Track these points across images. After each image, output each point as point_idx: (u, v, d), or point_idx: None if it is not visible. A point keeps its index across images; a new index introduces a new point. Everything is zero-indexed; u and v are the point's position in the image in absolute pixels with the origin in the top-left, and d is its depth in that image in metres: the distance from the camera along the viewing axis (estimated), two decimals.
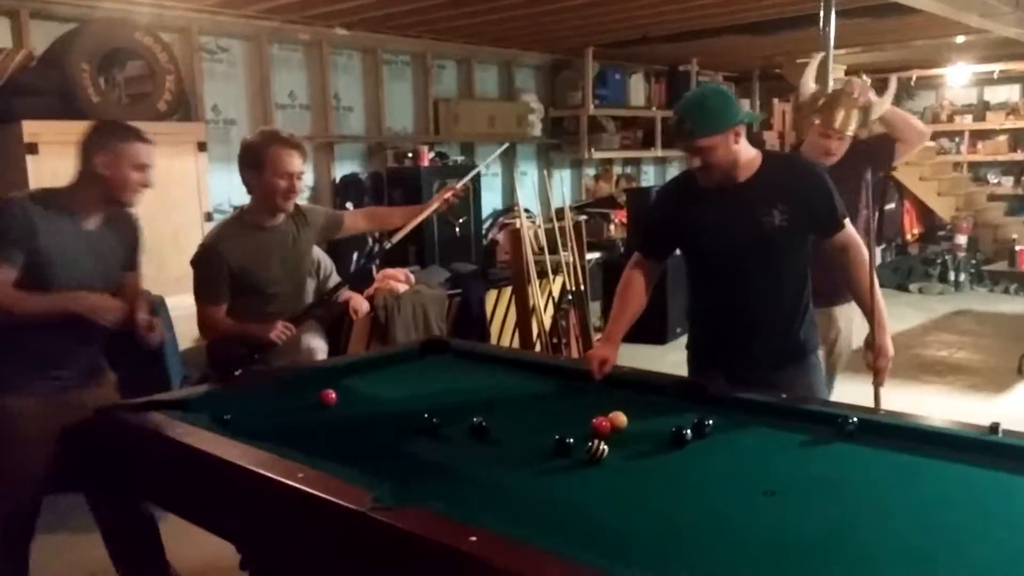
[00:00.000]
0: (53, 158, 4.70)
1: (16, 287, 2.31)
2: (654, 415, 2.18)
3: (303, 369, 2.83)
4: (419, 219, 2.89)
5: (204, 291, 2.72)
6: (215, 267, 2.68)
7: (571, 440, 1.93)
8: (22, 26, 5.24)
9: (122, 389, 2.62)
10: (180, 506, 2.24)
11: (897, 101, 11.19)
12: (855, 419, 2.01)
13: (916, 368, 5.77)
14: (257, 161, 2.61)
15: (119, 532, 2.63)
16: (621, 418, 2.10)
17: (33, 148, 4.71)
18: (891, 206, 9.94)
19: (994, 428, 1.90)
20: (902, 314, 7.55)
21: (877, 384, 2.62)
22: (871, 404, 2.48)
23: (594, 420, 2.05)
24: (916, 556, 1.40)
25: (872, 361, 2.60)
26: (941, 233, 9.62)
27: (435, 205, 3.00)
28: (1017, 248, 5.67)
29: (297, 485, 1.73)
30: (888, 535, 1.49)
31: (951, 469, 1.78)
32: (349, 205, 6.79)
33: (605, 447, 1.90)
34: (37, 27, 5.28)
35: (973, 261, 8.93)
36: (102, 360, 2.58)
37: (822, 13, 4.59)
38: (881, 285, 8.45)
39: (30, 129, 4.71)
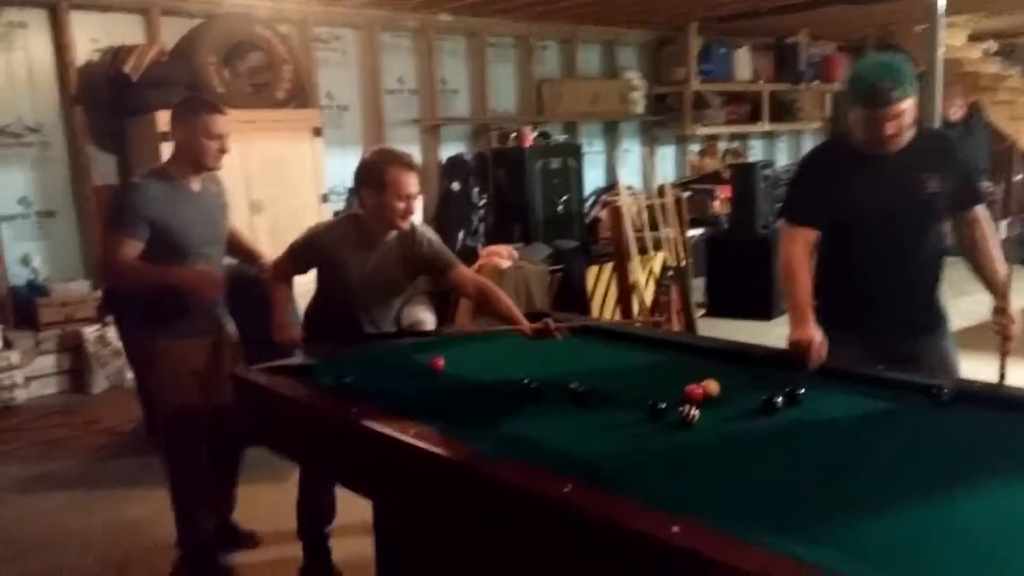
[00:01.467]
0: None
1: (148, 250, 2.73)
2: (748, 384, 2.23)
3: (411, 333, 3.01)
4: (510, 327, 2.70)
5: (297, 254, 2.85)
6: (307, 254, 2.83)
7: (664, 405, 2.02)
8: (153, 23, 5.65)
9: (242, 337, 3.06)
10: (311, 459, 2.50)
11: None
12: (947, 388, 2.03)
13: None
14: (378, 181, 2.70)
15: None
16: (713, 386, 2.17)
17: (167, 136, 5.05)
18: (1018, 178, 9.42)
19: None
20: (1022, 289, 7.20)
21: (1005, 352, 2.57)
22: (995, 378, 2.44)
23: (687, 387, 2.13)
24: (1006, 529, 1.44)
25: (1002, 329, 2.56)
26: None
27: (533, 326, 2.69)
28: None
29: (412, 441, 1.91)
30: (990, 500, 1.52)
31: None
32: (455, 185, 7.01)
33: (696, 412, 1.99)
34: (167, 23, 5.70)
35: None
36: (223, 313, 2.98)
37: None
38: (1005, 259, 8.10)
39: (164, 119, 5.08)
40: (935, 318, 2.66)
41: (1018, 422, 1.88)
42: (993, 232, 2.62)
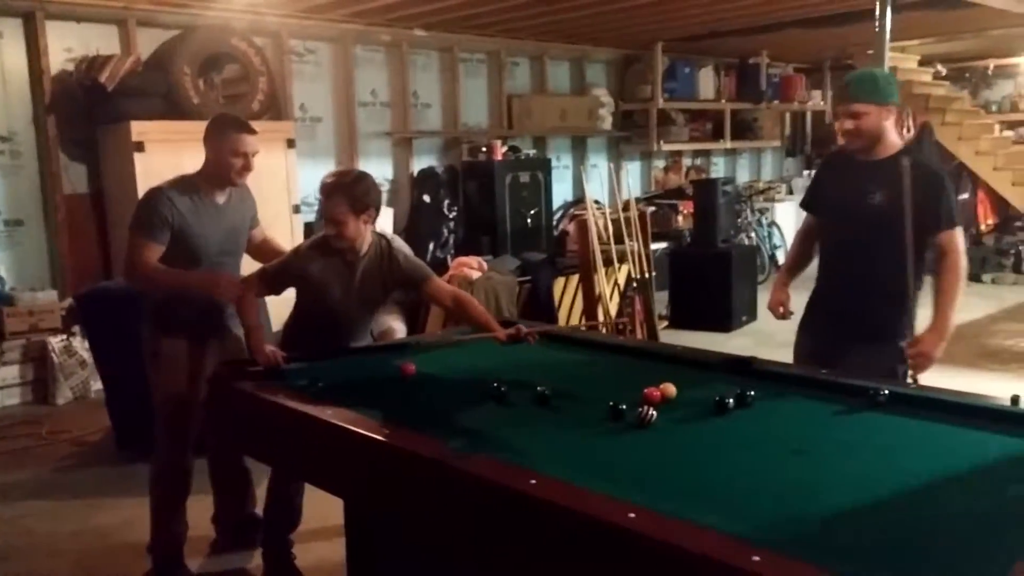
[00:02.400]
0: (158, 155, 5.16)
1: (168, 256, 2.87)
2: (701, 387, 2.37)
3: (386, 345, 3.12)
4: (484, 336, 2.86)
5: (269, 279, 2.93)
6: (284, 277, 2.92)
7: (624, 407, 2.16)
8: (129, 33, 5.71)
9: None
10: (283, 462, 2.60)
11: (975, 90, 10.97)
12: (886, 391, 2.20)
13: (978, 356, 5.79)
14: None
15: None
16: (671, 388, 2.31)
17: (140, 146, 5.17)
18: (964, 196, 9.77)
19: (1015, 400, 2.06)
20: (972, 304, 7.48)
21: (912, 374, 2.72)
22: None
23: (646, 390, 2.27)
24: (911, 506, 1.60)
25: (909, 349, 2.71)
26: (1017, 223, 9.43)
27: (507, 332, 2.87)
28: None
29: (383, 439, 2.02)
30: (891, 488, 1.68)
31: (968, 435, 1.95)
32: (426, 197, 7.14)
33: (654, 412, 2.13)
34: (143, 34, 5.76)
35: None
36: (231, 320, 3.04)
37: (878, 7, 4.64)
38: None
39: (138, 128, 5.18)
40: (878, 331, 2.78)
41: (938, 420, 2.06)
42: (955, 270, 2.71)
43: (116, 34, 5.72)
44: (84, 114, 5.48)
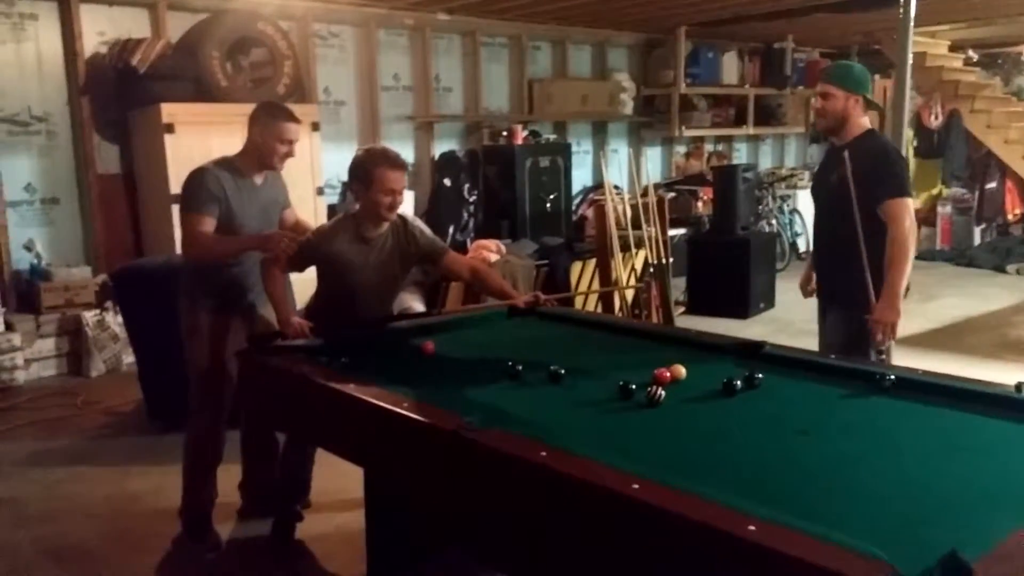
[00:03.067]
0: (188, 137, 5.29)
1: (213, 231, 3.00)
2: (712, 369, 2.44)
3: (407, 324, 3.21)
4: (504, 304, 3.07)
5: (294, 255, 3.00)
6: (308, 256, 3.01)
7: (634, 386, 2.24)
8: (160, 16, 5.82)
9: None
10: (307, 434, 2.71)
11: (1007, 77, 10.83)
12: (892, 376, 2.26)
13: (999, 347, 5.79)
14: (366, 178, 2.93)
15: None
16: (680, 370, 2.39)
17: (170, 128, 5.29)
18: (992, 185, 9.70)
19: (1018, 387, 2.11)
20: (994, 295, 7.48)
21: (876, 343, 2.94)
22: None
23: (656, 371, 2.35)
24: (907, 483, 1.66)
25: (870, 322, 2.94)
26: None
27: (525, 298, 3.15)
28: None
29: (403, 412, 2.12)
30: (890, 467, 1.75)
31: (969, 419, 2.01)
32: (447, 181, 7.22)
33: (662, 392, 2.20)
34: (172, 18, 5.87)
35: None
36: (258, 299, 3.16)
37: None
38: (976, 266, 8.42)
39: (168, 111, 5.29)
40: (840, 297, 3.07)
41: (945, 405, 2.11)
42: (897, 240, 2.89)
43: (147, 17, 5.83)
44: (116, 96, 5.60)
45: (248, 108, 5.19)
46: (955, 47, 9.97)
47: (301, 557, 3.10)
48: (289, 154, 3.07)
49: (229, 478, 3.34)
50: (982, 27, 8.93)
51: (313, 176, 5.94)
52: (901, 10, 4.56)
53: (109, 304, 5.48)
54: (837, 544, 1.34)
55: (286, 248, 2.91)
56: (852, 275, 2.94)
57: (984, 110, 9.46)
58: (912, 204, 3.00)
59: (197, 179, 3.02)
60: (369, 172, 2.89)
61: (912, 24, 4.61)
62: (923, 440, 1.91)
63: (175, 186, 5.27)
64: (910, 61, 4.70)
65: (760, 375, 2.33)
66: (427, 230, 3.14)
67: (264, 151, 3.03)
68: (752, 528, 1.40)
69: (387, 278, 3.05)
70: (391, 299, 3.14)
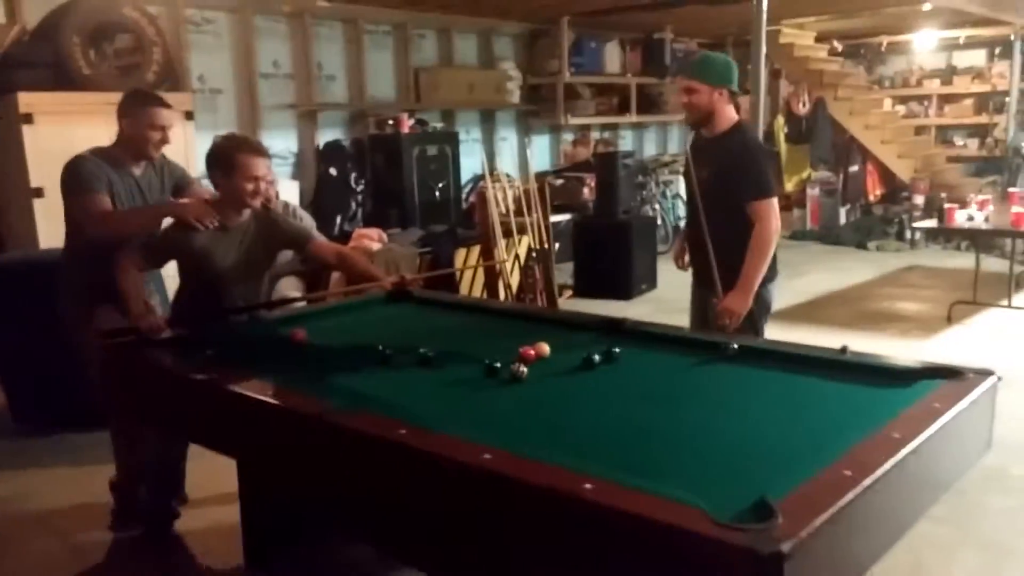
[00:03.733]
0: (48, 127, 5.05)
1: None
2: (574, 346, 2.55)
3: (280, 313, 3.20)
4: (370, 285, 3.10)
5: (150, 251, 2.95)
6: (164, 249, 2.96)
7: (498, 364, 2.32)
8: (15, 1, 5.52)
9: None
10: (173, 427, 2.68)
11: (870, 66, 11.48)
12: (736, 345, 2.41)
13: (857, 317, 6.21)
14: (227, 165, 2.89)
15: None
16: (544, 347, 2.48)
17: (29, 118, 5.03)
18: (854, 168, 10.32)
19: (843, 350, 2.30)
20: (856, 269, 7.99)
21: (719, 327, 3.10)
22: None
23: (521, 349, 2.44)
24: (735, 439, 1.81)
25: (717, 309, 3.10)
26: (903, 194, 10.00)
27: (390, 279, 3.17)
28: (946, 206, 6.03)
29: (266, 399, 2.14)
30: (723, 426, 1.89)
31: (801, 380, 2.18)
32: (332, 171, 7.14)
33: (524, 369, 2.29)
34: (29, 2, 5.57)
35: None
36: (150, 289, 3.11)
37: None
38: (841, 243, 8.92)
39: (25, 100, 5.03)
40: (710, 284, 3.15)
41: (780, 369, 2.29)
42: (760, 237, 3.02)
43: (1, 1, 5.52)
44: None
45: (114, 97, 5.02)
46: (821, 38, 10.52)
47: (178, 553, 3.07)
48: (164, 140, 3.03)
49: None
50: (846, 20, 9.46)
51: (188, 166, 5.73)
52: (754, 3, 4.79)
53: None
54: (661, 496, 1.45)
55: (202, 218, 2.84)
56: (723, 265, 3.08)
57: (847, 98, 10.03)
58: (776, 203, 3.10)
59: (78, 164, 2.96)
60: (231, 158, 2.86)
61: (764, 17, 4.85)
62: (756, 401, 2.07)
63: (36, 179, 5.05)
64: (763, 52, 4.95)
65: (618, 349, 2.45)
66: (305, 217, 3.15)
67: (136, 140, 2.99)
68: (588, 486, 1.50)
69: (251, 266, 3.01)
70: (258, 288, 3.11)
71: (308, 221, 3.61)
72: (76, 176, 2.94)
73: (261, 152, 2.93)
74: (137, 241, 2.93)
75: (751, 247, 3.04)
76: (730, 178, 3.04)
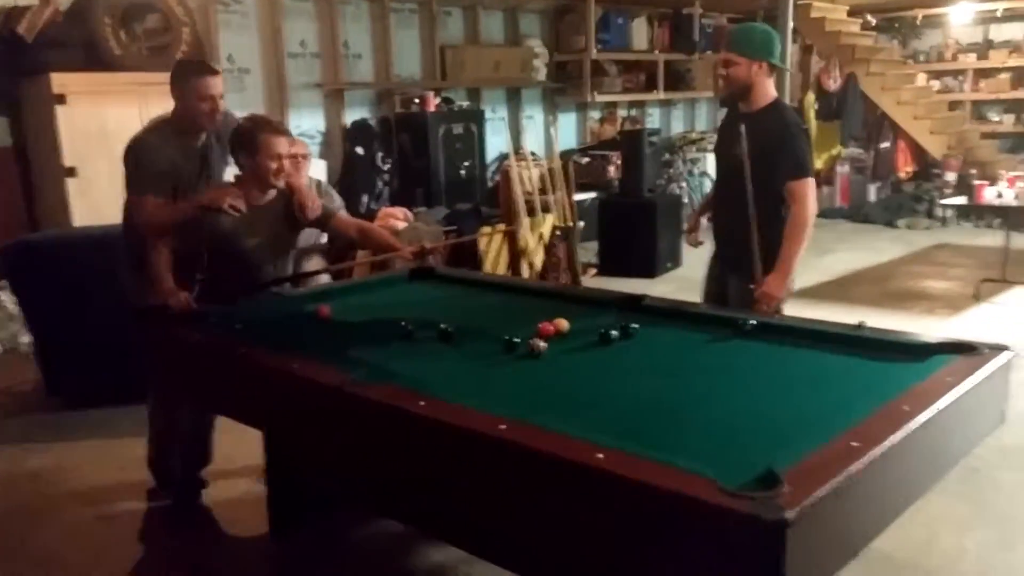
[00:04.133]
0: (81, 107, 5.16)
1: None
2: (592, 321, 2.57)
3: (305, 290, 3.27)
4: (390, 255, 3.16)
5: (181, 236, 2.99)
6: (196, 227, 2.98)
7: (517, 340, 2.36)
8: None
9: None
10: (203, 400, 2.76)
11: (904, 40, 11.24)
12: (752, 321, 2.43)
13: (882, 296, 6.17)
14: (250, 145, 2.95)
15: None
16: (563, 323, 2.51)
17: (62, 99, 5.14)
18: (885, 144, 10.16)
19: (859, 325, 2.31)
20: (884, 248, 7.92)
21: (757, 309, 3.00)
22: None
23: (540, 324, 2.47)
24: (748, 413, 1.84)
25: (756, 294, 3.00)
26: (935, 171, 9.84)
27: (410, 249, 3.20)
28: (975, 183, 5.95)
29: (291, 371, 2.20)
30: (737, 400, 1.92)
31: (817, 356, 2.20)
32: (359, 149, 7.20)
33: (544, 344, 2.33)
34: None
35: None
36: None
37: None
38: (870, 221, 8.84)
39: (59, 81, 5.14)
40: (741, 263, 3.06)
41: (796, 345, 2.30)
42: (798, 219, 2.93)
43: None
44: (4, 66, 5.40)
45: (145, 77, 5.12)
46: (853, 12, 10.34)
47: (205, 523, 3.16)
48: (214, 110, 3.01)
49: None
50: None
51: None
52: None
53: (4, 283, 5.33)
54: (673, 466, 1.48)
55: (232, 203, 2.88)
56: (748, 247, 2.99)
57: (879, 73, 9.86)
58: (814, 184, 3.02)
59: (137, 153, 2.99)
60: (255, 138, 2.92)
61: None
62: (771, 376, 2.09)
63: (69, 158, 5.17)
64: (790, 26, 4.89)
65: (636, 325, 2.47)
66: (334, 195, 3.18)
67: (189, 113, 2.99)
68: (600, 456, 1.54)
69: (278, 244, 3.07)
70: (285, 265, 3.17)
71: (337, 200, 3.65)
72: (132, 168, 2.98)
73: (282, 131, 2.99)
74: (174, 211, 2.98)
75: (789, 229, 2.95)
76: (768, 157, 2.93)
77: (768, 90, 3.04)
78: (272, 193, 3.02)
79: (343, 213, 3.18)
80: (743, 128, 2.94)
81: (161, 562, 2.99)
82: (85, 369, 4.24)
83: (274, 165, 2.93)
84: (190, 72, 3.00)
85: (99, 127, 5.23)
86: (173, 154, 2.99)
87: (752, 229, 2.96)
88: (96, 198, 5.24)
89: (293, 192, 3.04)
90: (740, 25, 3.16)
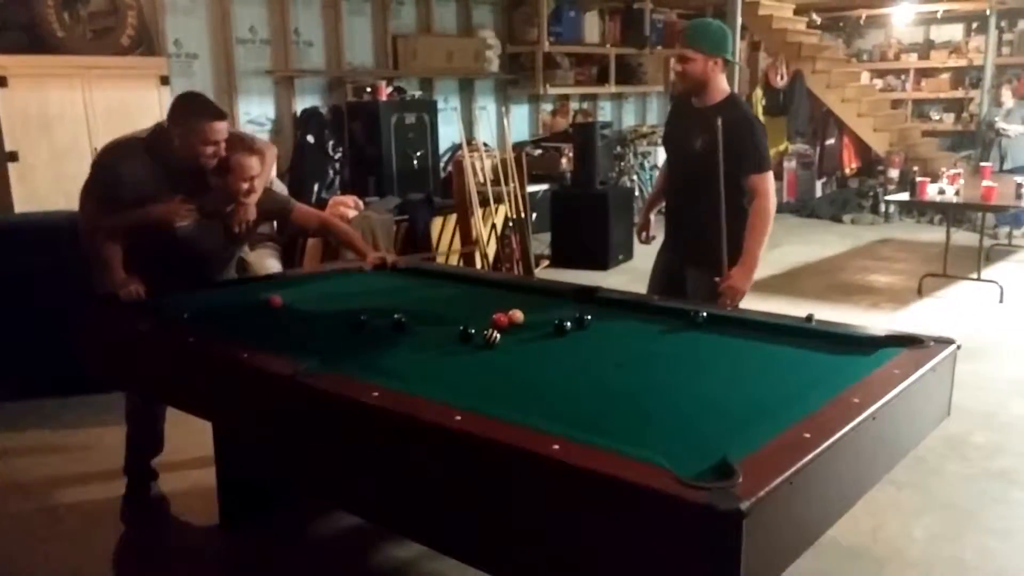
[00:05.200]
0: (22, 90, 5.01)
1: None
2: (547, 312, 2.58)
3: (256, 280, 3.21)
4: (351, 264, 3.02)
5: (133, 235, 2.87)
6: (152, 235, 2.85)
7: (472, 330, 2.35)
8: None
9: None
10: (155, 391, 2.70)
11: (848, 39, 11.48)
12: (704, 313, 2.46)
13: (828, 289, 6.31)
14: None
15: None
16: (518, 314, 2.51)
17: (3, 81, 4.98)
18: (831, 141, 10.39)
19: (808, 318, 2.36)
20: (830, 242, 8.10)
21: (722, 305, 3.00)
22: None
23: (495, 315, 2.47)
24: (700, 402, 1.87)
25: (721, 287, 3.00)
26: (879, 167, 10.09)
27: (371, 257, 3.10)
28: (918, 179, 6.11)
29: (241, 361, 2.16)
30: (688, 390, 1.95)
31: (768, 347, 2.24)
32: (310, 138, 7.10)
33: (498, 334, 2.33)
34: None
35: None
36: None
37: None
38: (817, 216, 9.00)
39: (0, 63, 4.97)
40: (704, 258, 3.06)
41: (747, 337, 2.34)
42: (761, 211, 2.96)
43: None
44: None
45: (90, 60, 4.97)
46: (800, 10, 10.52)
47: (156, 514, 3.09)
48: (216, 155, 2.78)
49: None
50: None
51: None
52: None
53: None
54: (627, 456, 1.49)
55: (181, 216, 2.75)
56: (710, 239, 3.00)
57: (824, 71, 10.06)
58: (772, 176, 3.05)
59: (102, 174, 2.86)
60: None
61: None
62: (724, 367, 2.12)
63: (10, 142, 5.01)
64: (739, 23, 4.95)
65: (589, 316, 2.48)
66: (275, 191, 3.11)
67: (187, 153, 2.76)
68: (556, 447, 1.54)
69: (234, 241, 3.01)
70: (235, 257, 3.12)
71: (282, 190, 3.60)
72: (97, 183, 2.87)
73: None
74: (123, 219, 2.83)
75: (752, 222, 2.98)
76: (727, 151, 2.93)
77: (722, 85, 3.07)
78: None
79: (301, 205, 3.08)
80: (719, 121, 2.91)
81: (109, 554, 2.93)
82: (27, 360, 4.12)
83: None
84: (197, 113, 2.77)
85: (41, 111, 5.09)
86: (143, 179, 2.79)
87: (720, 223, 2.96)
88: (37, 183, 5.10)
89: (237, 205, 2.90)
90: (696, 21, 3.11)
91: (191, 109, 2.80)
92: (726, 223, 2.98)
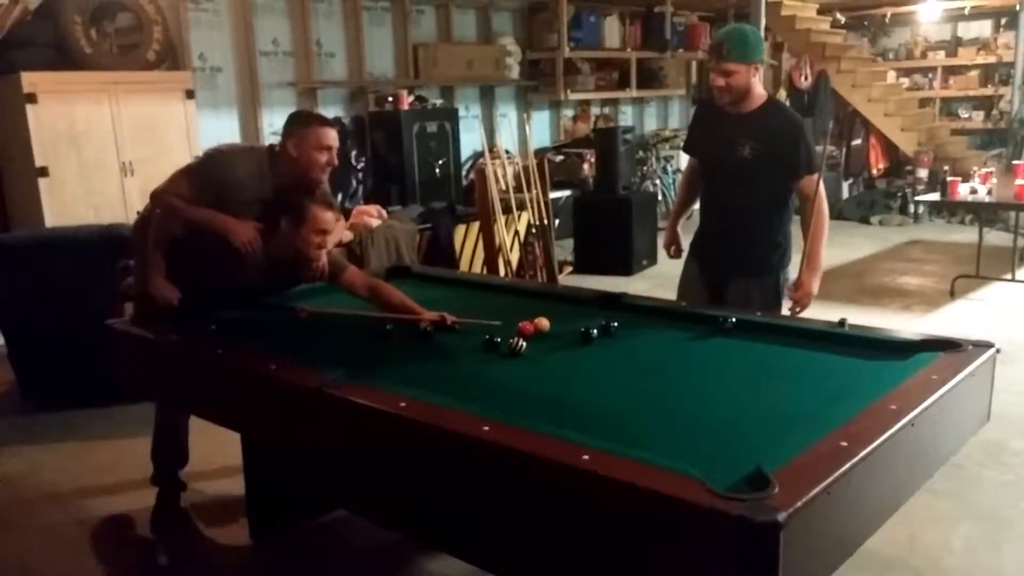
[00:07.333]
0: (52, 106, 5.08)
1: None
2: (574, 320, 2.56)
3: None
4: (404, 317, 2.73)
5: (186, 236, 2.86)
6: (206, 241, 2.82)
7: (498, 339, 2.34)
8: None
9: None
10: (182, 401, 2.71)
11: (873, 38, 11.35)
12: (733, 319, 2.43)
13: (858, 292, 6.21)
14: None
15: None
16: (544, 322, 2.50)
17: (32, 98, 5.05)
18: (857, 142, 10.26)
19: (841, 323, 2.31)
20: (858, 244, 7.98)
21: (794, 313, 2.97)
22: None
23: (520, 324, 2.45)
24: (730, 410, 1.84)
25: (793, 293, 2.97)
26: (907, 167, 9.95)
27: (430, 317, 2.74)
28: (949, 179, 6.01)
29: (268, 373, 2.16)
30: (718, 397, 1.92)
31: (798, 353, 2.20)
32: None
33: (524, 343, 2.31)
34: None
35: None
36: None
37: None
38: (844, 218, 8.88)
39: (28, 80, 5.04)
40: (754, 266, 3.01)
41: (778, 343, 2.30)
42: (819, 212, 2.93)
43: None
44: None
45: (116, 76, 5.00)
46: (823, 10, 10.42)
47: (184, 525, 3.10)
48: (330, 163, 2.84)
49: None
50: None
51: (189, 145, 5.76)
52: None
53: None
54: (659, 467, 1.47)
55: (247, 245, 2.70)
56: (763, 245, 2.98)
57: (849, 70, 9.95)
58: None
59: (206, 165, 2.83)
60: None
61: None
62: (754, 374, 2.09)
63: (40, 158, 5.08)
64: (763, 23, 4.91)
65: (615, 323, 2.46)
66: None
67: (302, 162, 2.79)
68: (586, 457, 1.52)
69: (273, 281, 2.93)
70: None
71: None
72: (200, 169, 2.83)
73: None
74: (202, 213, 2.78)
75: (815, 222, 2.92)
76: (778, 155, 2.88)
77: (760, 88, 3.00)
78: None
79: (354, 269, 3.02)
80: (757, 124, 2.87)
81: (140, 564, 2.94)
82: (58, 371, 4.16)
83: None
84: (309, 122, 2.87)
85: (69, 126, 5.16)
86: (248, 187, 2.78)
87: (772, 229, 2.94)
88: (67, 198, 5.17)
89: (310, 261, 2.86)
90: (730, 32, 2.98)
91: (303, 120, 2.91)
92: (769, 230, 2.96)
